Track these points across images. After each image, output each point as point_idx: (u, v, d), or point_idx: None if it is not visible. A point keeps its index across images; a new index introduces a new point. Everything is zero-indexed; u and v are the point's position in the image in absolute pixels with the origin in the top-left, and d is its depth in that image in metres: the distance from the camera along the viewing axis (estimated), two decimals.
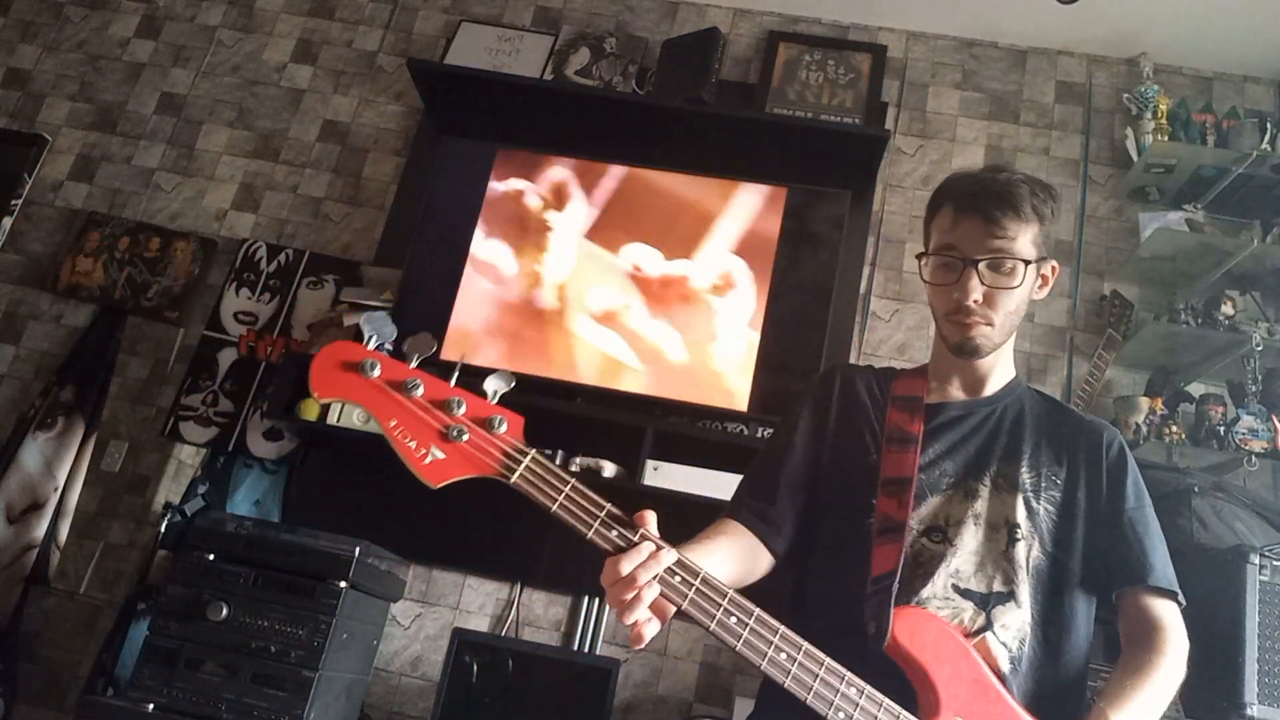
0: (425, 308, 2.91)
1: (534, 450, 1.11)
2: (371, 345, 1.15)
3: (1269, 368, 2.74)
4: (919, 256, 1.40)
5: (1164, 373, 2.87)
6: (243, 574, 2.35)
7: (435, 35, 3.58)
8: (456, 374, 1.15)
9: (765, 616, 1.11)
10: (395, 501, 2.74)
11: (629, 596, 1.04)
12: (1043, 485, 1.32)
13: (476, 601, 2.84)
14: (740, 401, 2.74)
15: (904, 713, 1.14)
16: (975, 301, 1.30)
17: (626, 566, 1.05)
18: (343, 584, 2.34)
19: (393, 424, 1.11)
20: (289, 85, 3.56)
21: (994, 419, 1.38)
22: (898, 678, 1.19)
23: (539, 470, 1.10)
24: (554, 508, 1.09)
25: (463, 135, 3.14)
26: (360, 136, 3.45)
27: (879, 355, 3.04)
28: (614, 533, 1.09)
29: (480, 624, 2.80)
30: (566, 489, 1.10)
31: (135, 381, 3.16)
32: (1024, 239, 1.31)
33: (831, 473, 1.37)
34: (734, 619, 1.10)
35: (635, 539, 1.08)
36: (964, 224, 1.32)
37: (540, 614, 2.81)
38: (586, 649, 2.73)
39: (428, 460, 1.10)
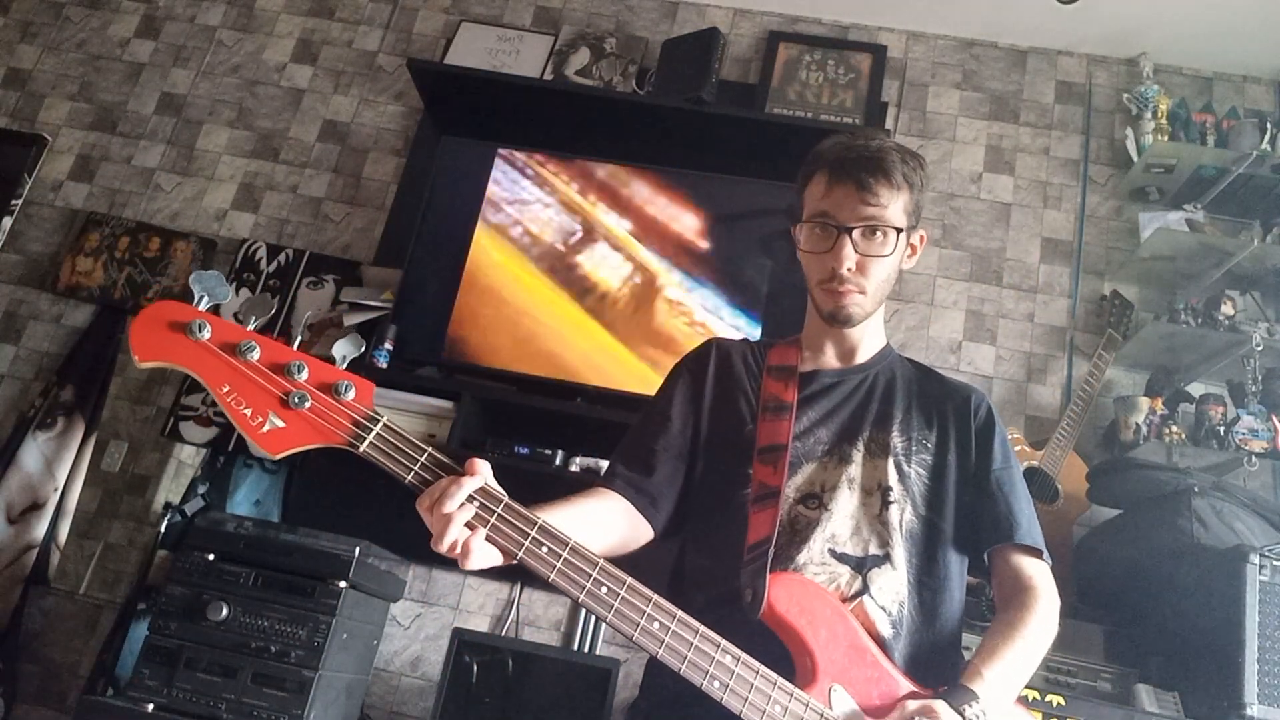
0: (425, 308, 2.91)
1: (385, 418, 1.06)
2: (203, 306, 1.06)
3: (1269, 368, 2.74)
4: (793, 226, 1.40)
5: (1164, 373, 2.87)
6: (243, 574, 2.35)
7: (435, 35, 3.58)
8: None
9: (638, 585, 1.08)
10: (395, 501, 2.70)
11: (439, 523, 1.02)
12: (914, 449, 1.34)
13: (476, 601, 2.84)
14: None
15: (781, 680, 1.12)
16: (849, 270, 1.31)
17: (425, 500, 1.03)
18: (343, 584, 2.34)
19: (225, 389, 1.04)
20: (289, 85, 3.56)
21: (866, 386, 1.39)
22: (781, 647, 1.17)
23: (391, 439, 1.05)
24: (409, 478, 1.05)
25: (463, 135, 3.13)
26: (360, 136, 3.45)
27: None
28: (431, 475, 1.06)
29: (480, 624, 2.80)
30: (422, 458, 1.05)
31: (135, 381, 3.16)
32: (895, 206, 1.33)
33: (708, 444, 1.36)
34: (605, 589, 1.06)
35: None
36: (837, 191, 1.32)
37: (540, 614, 2.81)
38: (586, 649, 2.73)
39: (265, 429, 1.03)
